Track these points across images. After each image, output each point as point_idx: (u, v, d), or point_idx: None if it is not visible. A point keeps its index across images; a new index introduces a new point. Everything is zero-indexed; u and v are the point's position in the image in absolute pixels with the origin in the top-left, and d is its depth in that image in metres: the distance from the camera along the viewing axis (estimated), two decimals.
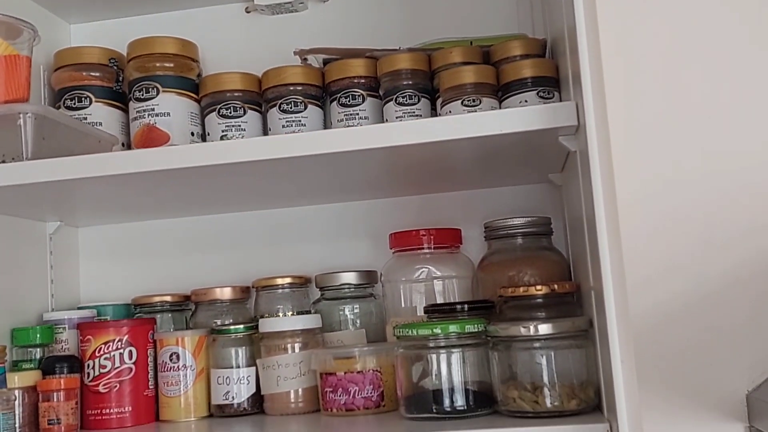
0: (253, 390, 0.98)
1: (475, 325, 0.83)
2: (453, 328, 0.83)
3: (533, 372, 0.79)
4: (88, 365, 0.97)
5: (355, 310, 1.05)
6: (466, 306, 0.90)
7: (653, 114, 0.93)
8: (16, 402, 0.90)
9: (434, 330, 0.83)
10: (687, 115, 0.94)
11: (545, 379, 0.78)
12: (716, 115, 0.94)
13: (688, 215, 0.94)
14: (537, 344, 0.79)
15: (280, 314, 1.03)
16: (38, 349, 0.98)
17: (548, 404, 0.78)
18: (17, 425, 0.90)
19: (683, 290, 0.96)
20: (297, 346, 0.97)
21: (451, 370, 0.83)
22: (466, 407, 0.82)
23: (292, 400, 0.96)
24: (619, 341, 0.71)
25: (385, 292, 1.05)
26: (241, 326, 1.00)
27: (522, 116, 0.76)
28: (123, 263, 1.16)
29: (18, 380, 0.91)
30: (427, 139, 0.77)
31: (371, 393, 0.91)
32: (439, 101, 0.97)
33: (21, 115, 0.84)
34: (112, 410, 0.96)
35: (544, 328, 0.79)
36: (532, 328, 0.79)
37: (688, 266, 0.95)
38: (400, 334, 0.85)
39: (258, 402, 0.98)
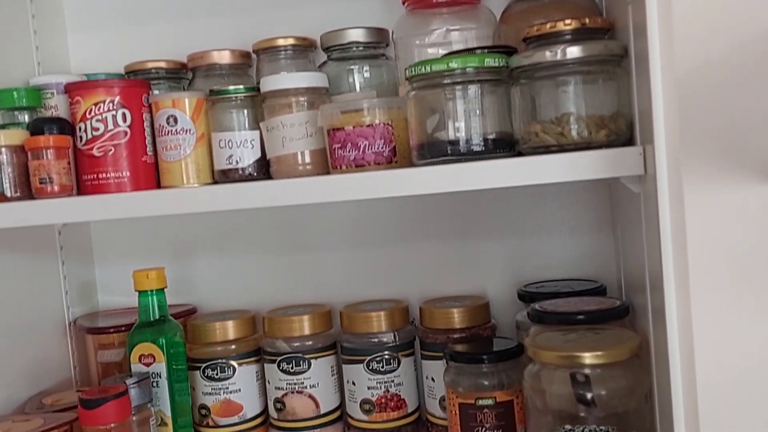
0: (258, 155, 0.92)
1: (496, 59, 0.75)
2: (471, 61, 0.74)
3: (559, 103, 0.72)
4: (80, 128, 0.90)
5: (365, 73, 0.97)
6: (486, 49, 0.82)
7: None
8: (4, 160, 0.85)
9: (450, 65, 0.75)
10: None
11: (572, 108, 0.71)
12: None
13: None
14: (564, 70, 0.71)
15: None
16: (26, 113, 0.92)
17: (574, 135, 0.71)
18: (8, 185, 0.86)
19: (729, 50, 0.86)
20: (302, 105, 0.89)
21: (468, 110, 0.76)
22: (484, 149, 0.76)
23: (300, 162, 0.89)
24: (661, 62, 0.63)
25: (397, 54, 0.96)
26: (242, 86, 0.92)
27: None
28: (113, 33, 1.08)
29: (4, 138, 0.86)
30: None
31: (382, 148, 0.84)
32: None
33: None
34: (109, 175, 0.90)
35: (573, 51, 0.70)
36: (559, 52, 0.70)
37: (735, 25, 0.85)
38: (413, 72, 0.77)
39: (264, 167, 0.92)
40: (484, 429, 0.85)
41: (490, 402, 0.85)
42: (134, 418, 0.88)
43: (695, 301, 0.67)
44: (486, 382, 0.86)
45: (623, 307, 0.82)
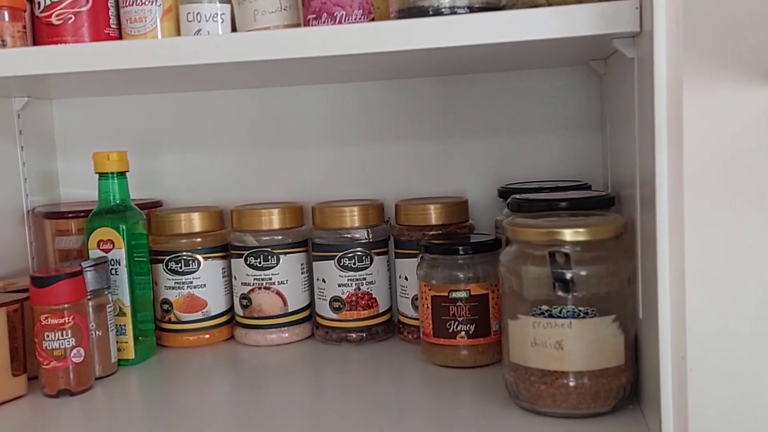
0: (228, 29, 0.86)
1: None
2: None
3: None
4: None
5: None
6: None
7: None
8: None
9: None
10: None
11: None
12: None
13: None
14: None
15: None
16: None
17: None
18: None
19: None
20: None
21: None
22: (468, 9, 0.70)
23: None
24: None
25: None
26: None
27: None
28: None
29: None
30: None
31: (361, 18, 0.78)
32: None
33: None
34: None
35: None
36: None
37: None
38: None
39: None
40: (456, 323, 0.82)
41: (463, 294, 0.81)
42: (90, 302, 0.84)
43: (688, 187, 0.63)
44: (461, 275, 0.82)
45: (609, 196, 0.78)
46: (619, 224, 0.68)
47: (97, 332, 0.84)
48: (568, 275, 0.66)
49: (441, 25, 0.65)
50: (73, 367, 0.80)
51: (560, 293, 0.67)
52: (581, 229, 0.66)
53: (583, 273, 0.67)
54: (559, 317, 0.67)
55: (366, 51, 0.66)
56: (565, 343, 0.67)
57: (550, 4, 0.65)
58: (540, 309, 0.67)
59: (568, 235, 0.66)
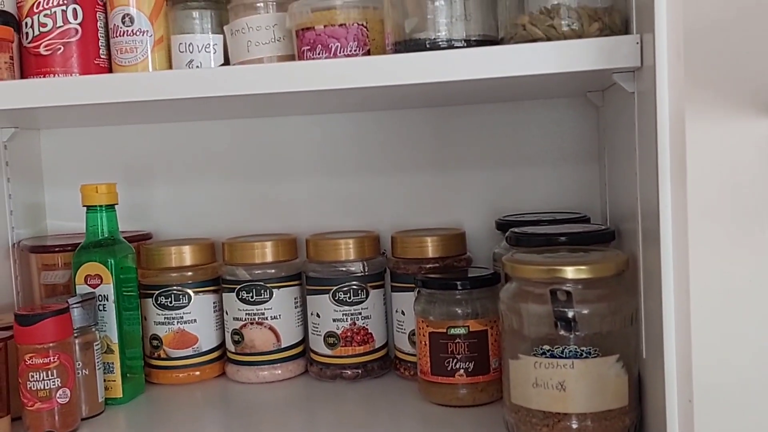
0: (221, 61, 0.85)
1: None
2: None
3: None
4: (26, 24, 0.83)
5: None
6: None
7: None
8: None
9: None
10: None
11: None
12: None
13: None
14: None
15: None
16: None
17: (565, 28, 0.64)
18: None
19: None
20: (270, 6, 0.82)
21: (450, 6, 0.69)
22: (466, 46, 0.69)
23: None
24: None
25: None
26: None
27: None
28: None
29: None
30: None
31: (356, 51, 0.77)
32: None
33: None
34: (57, 77, 0.83)
35: None
36: None
37: None
38: None
39: None
40: (455, 360, 0.79)
41: (462, 331, 0.79)
42: (77, 340, 0.81)
43: (692, 220, 0.62)
44: (459, 311, 0.80)
45: (609, 231, 0.76)
46: (621, 261, 0.67)
47: (83, 371, 0.82)
48: (570, 314, 0.65)
49: (437, 60, 0.64)
50: (58, 408, 0.77)
51: (562, 332, 0.65)
52: (583, 267, 0.65)
53: (585, 311, 0.65)
54: (561, 357, 0.65)
55: (360, 85, 0.64)
56: (568, 384, 0.65)
57: (548, 38, 0.64)
58: (542, 349, 0.65)
59: (570, 272, 0.65)
